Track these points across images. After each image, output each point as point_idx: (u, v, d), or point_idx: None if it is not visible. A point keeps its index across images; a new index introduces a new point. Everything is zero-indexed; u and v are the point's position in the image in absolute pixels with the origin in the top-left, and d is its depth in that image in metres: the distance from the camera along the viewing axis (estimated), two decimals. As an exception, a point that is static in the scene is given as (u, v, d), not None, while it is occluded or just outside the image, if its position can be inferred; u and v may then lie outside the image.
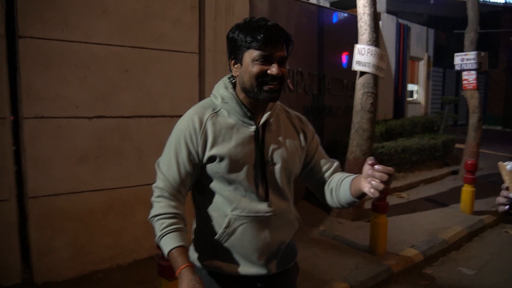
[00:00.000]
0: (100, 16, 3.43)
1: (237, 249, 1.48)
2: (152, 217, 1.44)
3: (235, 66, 1.46)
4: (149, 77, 3.74)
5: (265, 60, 1.38)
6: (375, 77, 5.07)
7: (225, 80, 1.52)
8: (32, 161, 3.18)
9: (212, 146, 1.42)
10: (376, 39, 5.09)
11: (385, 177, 1.23)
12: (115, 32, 3.52)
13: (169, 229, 1.40)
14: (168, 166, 1.45)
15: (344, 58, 6.93)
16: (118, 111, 3.59)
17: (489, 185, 6.93)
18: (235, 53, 1.44)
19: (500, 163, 1.44)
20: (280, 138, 1.52)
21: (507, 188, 1.42)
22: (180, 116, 1.51)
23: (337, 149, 6.25)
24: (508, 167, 1.41)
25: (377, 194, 1.26)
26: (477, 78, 7.17)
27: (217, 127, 1.43)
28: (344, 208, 1.59)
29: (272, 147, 1.49)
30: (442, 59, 12.97)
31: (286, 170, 1.51)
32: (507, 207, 1.41)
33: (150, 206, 1.48)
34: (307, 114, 6.19)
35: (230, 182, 1.44)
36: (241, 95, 1.47)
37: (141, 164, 3.73)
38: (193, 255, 1.57)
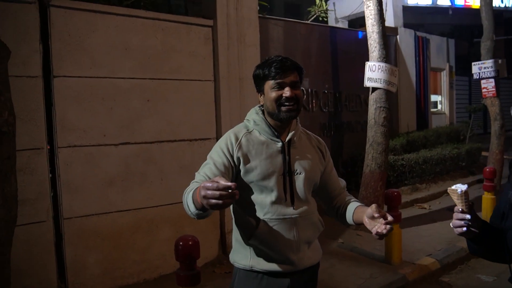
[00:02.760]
0: (123, 53, 3.82)
1: (270, 248, 1.75)
2: (183, 195, 1.58)
3: (261, 97, 1.81)
4: (168, 105, 4.08)
5: (280, 86, 1.72)
6: (387, 92, 5.25)
7: (256, 108, 1.86)
8: (66, 186, 3.54)
9: (247, 159, 1.73)
10: (387, 56, 5.28)
11: (388, 227, 1.53)
12: (137, 66, 3.90)
13: (194, 187, 1.53)
14: (203, 166, 1.74)
15: (361, 74, 7.10)
16: (141, 138, 3.93)
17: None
18: (258, 86, 1.80)
19: (449, 188, 1.51)
20: (303, 153, 1.83)
21: (462, 211, 1.49)
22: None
23: (356, 163, 6.39)
24: (458, 191, 1.48)
25: (380, 238, 1.57)
26: (497, 86, 7.18)
27: (251, 143, 1.76)
28: (344, 225, 1.93)
29: (296, 159, 1.81)
30: (466, 68, 12.84)
31: (309, 179, 1.82)
32: (464, 228, 1.50)
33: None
34: (324, 131, 6.37)
35: (261, 189, 1.74)
36: (269, 119, 1.81)
37: (165, 185, 4.04)
38: (233, 257, 1.86)
